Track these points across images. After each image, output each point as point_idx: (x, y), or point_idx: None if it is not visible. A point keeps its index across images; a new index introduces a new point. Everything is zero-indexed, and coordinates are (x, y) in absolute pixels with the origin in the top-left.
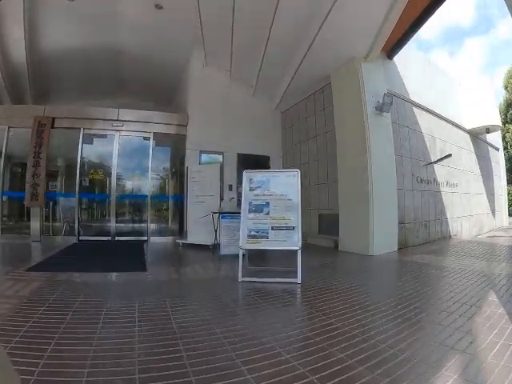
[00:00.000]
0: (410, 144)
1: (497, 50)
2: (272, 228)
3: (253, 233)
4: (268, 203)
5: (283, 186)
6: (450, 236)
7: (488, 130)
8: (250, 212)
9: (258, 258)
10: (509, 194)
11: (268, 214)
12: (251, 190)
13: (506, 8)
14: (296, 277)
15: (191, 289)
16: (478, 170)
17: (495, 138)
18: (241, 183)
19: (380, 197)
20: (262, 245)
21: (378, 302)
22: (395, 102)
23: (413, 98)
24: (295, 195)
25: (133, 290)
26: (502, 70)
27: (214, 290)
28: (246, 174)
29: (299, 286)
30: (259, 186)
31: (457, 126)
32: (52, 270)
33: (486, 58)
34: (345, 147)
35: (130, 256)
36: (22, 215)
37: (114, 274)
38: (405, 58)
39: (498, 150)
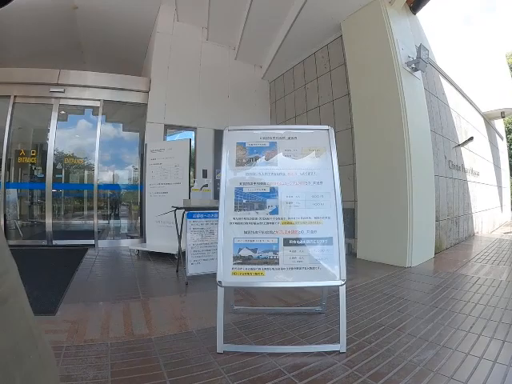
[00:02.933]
0: (441, 119)
1: None
2: (285, 242)
3: (245, 252)
4: (274, 191)
5: (304, 156)
6: (474, 234)
7: (503, 114)
8: (237, 209)
9: None
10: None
11: (275, 212)
12: (240, 164)
13: None
14: (337, 340)
15: None
16: (492, 159)
17: (499, 126)
18: (219, 168)
19: (418, 186)
20: (266, 277)
21: None
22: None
23: (439, 64)
24: (329, 174)
25: None
26: None
27: None
28: (228, 135)
29: (345, 361)
30: (256, 158)
31: (475, 107)
32: None
33: None
34: (366, 117)
35: (53, 276)
36: None
37: None
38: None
39: (502, 138)
